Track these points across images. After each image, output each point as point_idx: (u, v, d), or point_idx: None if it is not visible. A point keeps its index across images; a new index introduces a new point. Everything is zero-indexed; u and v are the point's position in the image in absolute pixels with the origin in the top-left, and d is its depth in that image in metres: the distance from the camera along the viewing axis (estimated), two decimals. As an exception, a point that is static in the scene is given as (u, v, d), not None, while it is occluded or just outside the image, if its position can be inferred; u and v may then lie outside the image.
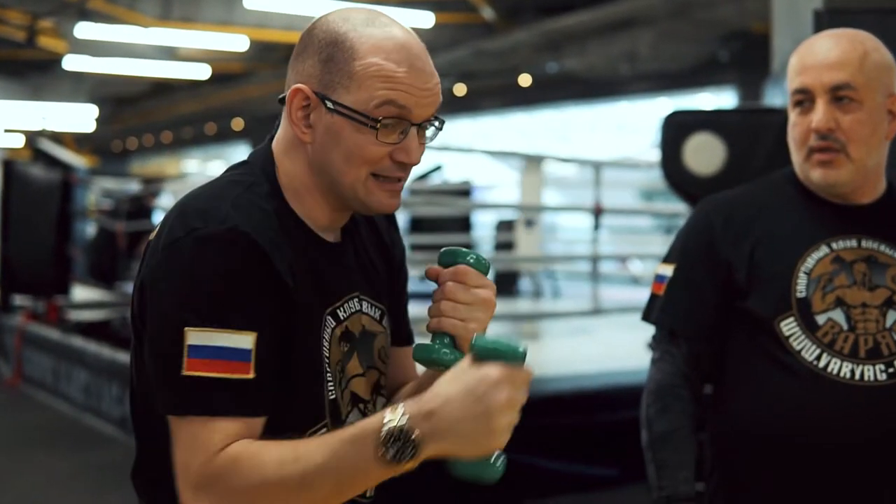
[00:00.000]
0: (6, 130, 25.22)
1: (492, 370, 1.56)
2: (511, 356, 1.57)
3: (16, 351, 11.60)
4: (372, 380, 1.85)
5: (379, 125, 1.70)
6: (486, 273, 1.79)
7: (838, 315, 2.37)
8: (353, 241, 1.89)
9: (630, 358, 7.52)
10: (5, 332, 12.29)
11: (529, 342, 10.28)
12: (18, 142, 25.63)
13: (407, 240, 13.32)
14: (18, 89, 23.64)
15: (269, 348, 1.65)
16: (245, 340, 1.62)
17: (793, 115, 2.46)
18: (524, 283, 14.95)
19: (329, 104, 1.72)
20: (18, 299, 12.67)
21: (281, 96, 1.78)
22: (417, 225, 14.11)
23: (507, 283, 14.46)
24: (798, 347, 2.36)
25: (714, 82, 20.90)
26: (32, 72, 23.56)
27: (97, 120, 26.20)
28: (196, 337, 1.61)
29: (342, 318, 1.80)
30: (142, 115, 30.25)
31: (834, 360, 2.35)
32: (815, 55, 2.42)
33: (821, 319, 2.37)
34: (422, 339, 1.83)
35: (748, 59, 17.54)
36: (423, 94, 1.73)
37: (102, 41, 16.84)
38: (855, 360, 2.34)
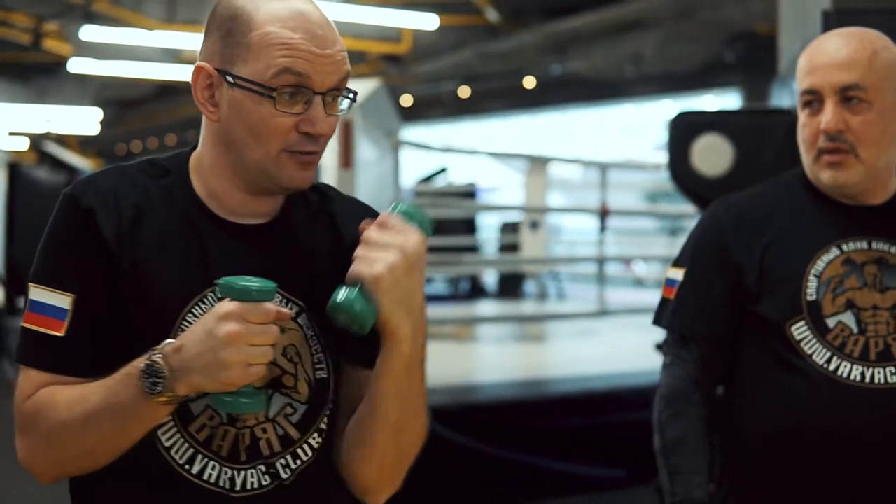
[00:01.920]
0: (11, 133, 25.21)
1: (222, 305, 1.58)
2: (252, 294, 1.58)
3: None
4: (271, 375, 1.74)
5: (276, 94, 1.68)
6: (421, 226, 1.72)
7: (849, 318, 2.36)
8: (282, 229, 1.84)
9: (636, 359, 7.52)
10: (11, 334, 12.30)
11: (535, 344, 10.27)
12: (23, 145, 25.62)
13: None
14: (23, 92, 23.65)
15: (96, 310, 1.71)
16: (61, 300, 1.71)
17: (802, 116, 2.44)
18: (529, 285, 14.94)
19: (229, 79, 1.71)
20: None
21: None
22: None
23: (512, 285, 14.46)
24: (809, 351, 2.35)
25: (719, 84, 20.88)
26: (37, 75, 23.56)
27: (102, 123, 26.19)
28: (33, 292, 1.73)
29: None
30: (146, 118, 30.25)
31: (844, 363, 2.33)
32: (823, 55, 2.39)
33: (831, 322, 2.36)
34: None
35: (753, 60, 17.52)
36: (323, 62, 1.70)
37: (107, 44, 16.82)
38: (865, 363, 2.33)
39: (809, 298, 2.37)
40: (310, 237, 1.87)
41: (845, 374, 2.33)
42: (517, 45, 19.04)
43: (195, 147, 1.84)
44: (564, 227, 22.46)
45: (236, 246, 1.77)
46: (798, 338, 2.36)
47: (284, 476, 1.76)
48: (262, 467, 1.74)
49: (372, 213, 1.87)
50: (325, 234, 1.89)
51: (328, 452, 1.82)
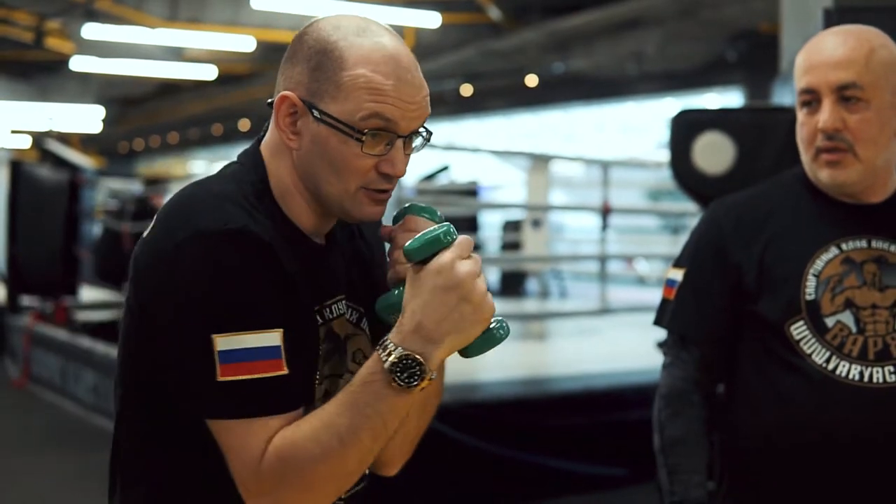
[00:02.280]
0: (13, 131, 25.24)
1: (440, 260, 1.61)
2: (443, 239, 1.62)
3: (24, 351, 11.61)
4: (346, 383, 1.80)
5: (364, 137, 1.69)
6: (432, 218, 1.81)
7: (847, 317, 2.36)
8: (337, 243, 1.88)
9: (637, 358, 7.52)
10: (13, 333, 12.31)
11: (537, 342, 10.27)
12: (26, 143, 25.64)
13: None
14: (25, 90, 23.66)
15: (293, 342, 1.66)
16: (272, 338, 1.63)
17: (800, 115, 2.44)
18: (531, 283, 14.94)
19: (316, 113, 1.71)
20: (26, 300, 12.68)
21: (270, 100, 1.78)
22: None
23: (514, 283, 14.46)
24: (808, 351, 2.36)
25: (721, 82, 20.86)
26: (39, 73, 23.58)
27: (104, 121, 26.21)
28: (225, 342, 1.61)
29: (328, 318, 1.80)
30: (148, 116, 30.24)
31: (843, 362, 2.34)
32: (821, 54, 2.39)
33: (830, 322, 2.36)
34: None
35: (755, 58, 17.52)
36: (411, 108, 1.72)
37: (109, 42, 16.83)
38: (864, 363, 2.33)
39: (808, 298, 2.38)
40: (349, 246, 1.92)
41: (844, 374, 2.33)
42: (519, 44, 19.03)
43: (250, 157, 1.83)
44: (566, 225, 22.44)
45: (323, 266, 1.82)
46: (797, 337, 2.36)
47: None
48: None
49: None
50: (356, 241, 1.94)
51: None
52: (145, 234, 1.73)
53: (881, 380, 2.32)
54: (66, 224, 12.49)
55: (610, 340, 9.78)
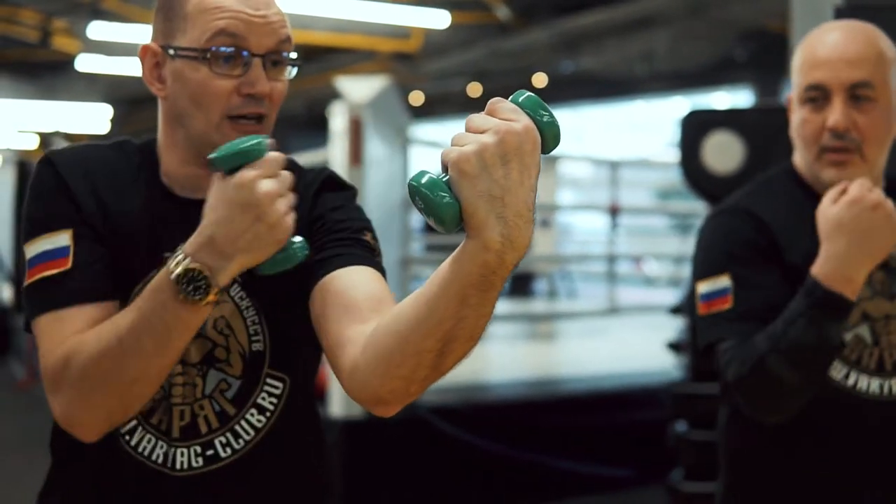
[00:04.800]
0: (20, 131, 25.24)
1: (243, 174, 1.56)
2: (251, 152, 1.57)
3: (29, 352, 11.60)
4: (204, 349, 1.78)
5: (209, 55, 1.70)
6: (534, 114, 1.34)
7: (864, 331, 2.31)
8: None
9: (646, 359, 7.50)
10: (20, 333, 12.31)
11: (545, 343, 10.25)
12: (32, 143, 25.65)
13: (421, 240, 13.30)
14: (32, 90, 23.65)
15: (93, 243, 1.73)
16: (61, 238, 1.72)
17: (803, 112, 2.35)
18: (539, 284, 14.91)
19: (171, 52, 1.73)
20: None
21: None
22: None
23: (522, 284, 14.44)
24: None
25: (730, 81, 20.81)
26: (46, 72, 23.57)
27: (111, 120, 26.22)
28: (30, 249, 1.73)
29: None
30: (155, 116, 30.19)
31: (861, 376, 2.30)
32: (831, 49, 2.31)
33: (848, 337, 2.30)
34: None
35: (764, 57, 17.48)
36: (258, 23, 1.72)
37: (116, 41, 16.83)
38: (881, 375, 2.30)
39: None
40: None
41: (863, 388, 2.30)
42: (528, 43, 18.99)
43: None
44: (575, 225, 22.42)
45: (185, 221, 1.71)
46: None
47: (224, 455, 1.77)
48: (198, 447, 1.76)
49: (332, 175, 1.93)
50: None
51: (279, 437, 1.81)
52: None
53: None
54: (73, 224, 12.52)
55: (618, 341, 9.76)
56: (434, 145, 7.97)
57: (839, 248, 2.17)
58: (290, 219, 1.58)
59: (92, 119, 25.07)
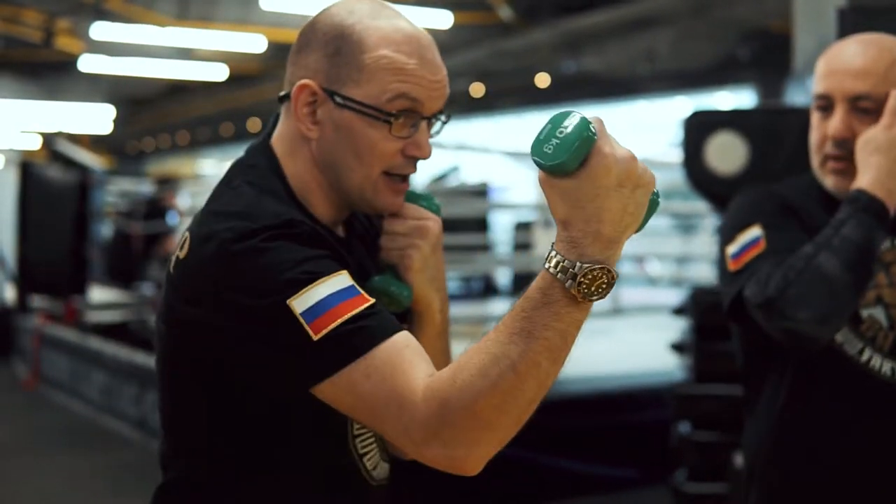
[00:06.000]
0: (23, 132, 25.27)
1: (601, 159, 1.45)
2: (591, 135, 1.45)
3: (34, 352, 11.62)
4: None
5: (393, 119, 1.67)
6: (430, 208, 1.85)
7: (879, 313, 2.34)
8: (355, 233, 1.88)
9: (649, 359, 7.50)
10: (23, 333, 12.32)
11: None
12: (35, 143, 25.67)
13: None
14: (35, 90, 23.69)
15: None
16: (342, 280, 1.56)
17: (814, 119, 2.42)
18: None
19: (338, 99, 1.68)
20: (36, 300, 12.70)
21: (282, 93, 1.75)
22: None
23: (526, 284, 14.40)
24: (840, 339, 2.32)
25: (733, 81, 20.81)
26: (49, 72, 23.60)
27: (114, 121, 26.25)
28: (301, 302, 1.52)
29: None
30: (158, 116, 30.29)
31: (876, 355, 2.33)
32: (839, 61, 2.37)
33: (863, 314, 2.33)
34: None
35: (767, 57, 17.48)
36: (434, 87, 1.71)
37: (119, 41, 16.84)
38: (895, 359, 2.33)
39: None
40: (363, 234, 1.90)
41: (877, 367, 2.33)
42: (530, 43, 19.01)
43: (261, 155, 1.78)
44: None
45: (349, 256, 1.74)
46: None
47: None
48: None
49: None
50: (369, 229, 1.92)
51: None
52: (180, 253, 1.66)
53: None
54: (76, 224, 12.51)
55: (621, 341, 9.76)
56: (436, 146, 7.97)
57: (879, 163, 2.26)
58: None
59: (95, 119, 25.11)
